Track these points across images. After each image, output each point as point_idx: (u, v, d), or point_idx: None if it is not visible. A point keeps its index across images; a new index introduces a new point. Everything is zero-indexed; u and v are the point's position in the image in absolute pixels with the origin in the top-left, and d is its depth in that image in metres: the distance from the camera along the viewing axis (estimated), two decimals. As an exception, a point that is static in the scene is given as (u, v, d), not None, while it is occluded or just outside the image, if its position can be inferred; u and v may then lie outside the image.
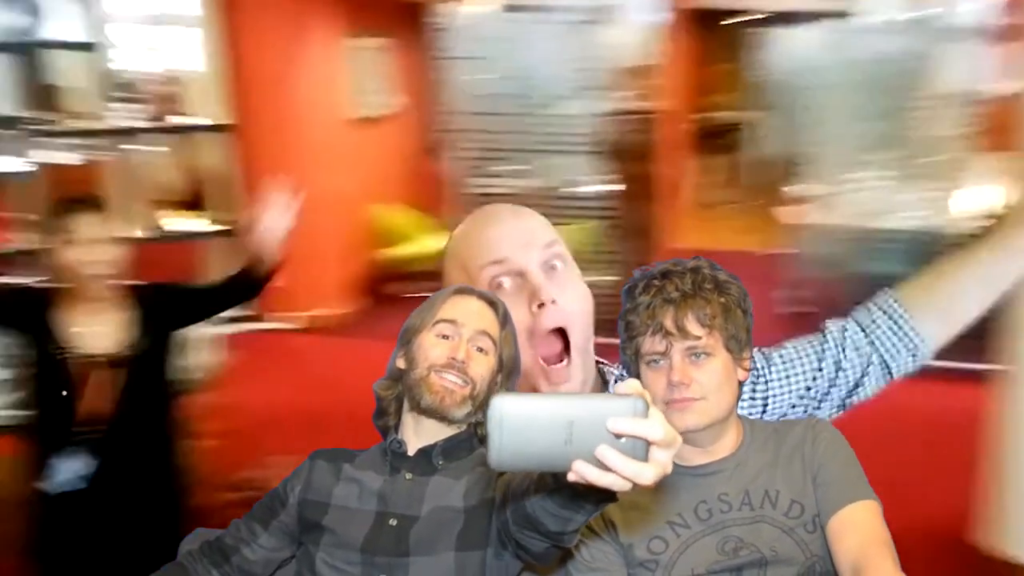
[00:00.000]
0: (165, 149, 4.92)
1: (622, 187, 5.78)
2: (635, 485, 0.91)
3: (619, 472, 0.90)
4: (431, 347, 1.55)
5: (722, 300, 1.48)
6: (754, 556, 1.43)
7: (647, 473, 0.90)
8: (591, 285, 1.76)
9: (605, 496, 1.02)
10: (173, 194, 5.09)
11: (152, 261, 2.80)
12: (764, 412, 1.70)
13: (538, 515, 1.19)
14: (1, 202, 4.36)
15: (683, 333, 1.45)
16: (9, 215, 4.32)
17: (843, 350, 1.69)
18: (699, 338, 1.45)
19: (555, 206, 5.64)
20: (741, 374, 1.53)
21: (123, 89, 4.61)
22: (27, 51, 4.39)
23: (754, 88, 8.54)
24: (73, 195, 2.84)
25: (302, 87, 5.98)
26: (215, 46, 5.30)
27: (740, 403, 1.62)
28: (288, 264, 2.78)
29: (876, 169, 5.69)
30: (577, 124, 5.71)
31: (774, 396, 1.69)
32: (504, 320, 1.60)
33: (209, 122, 5.08)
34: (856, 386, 1.70)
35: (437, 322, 1.57)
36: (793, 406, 1.70)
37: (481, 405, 1.55)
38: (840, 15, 5.99)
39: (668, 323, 1.46)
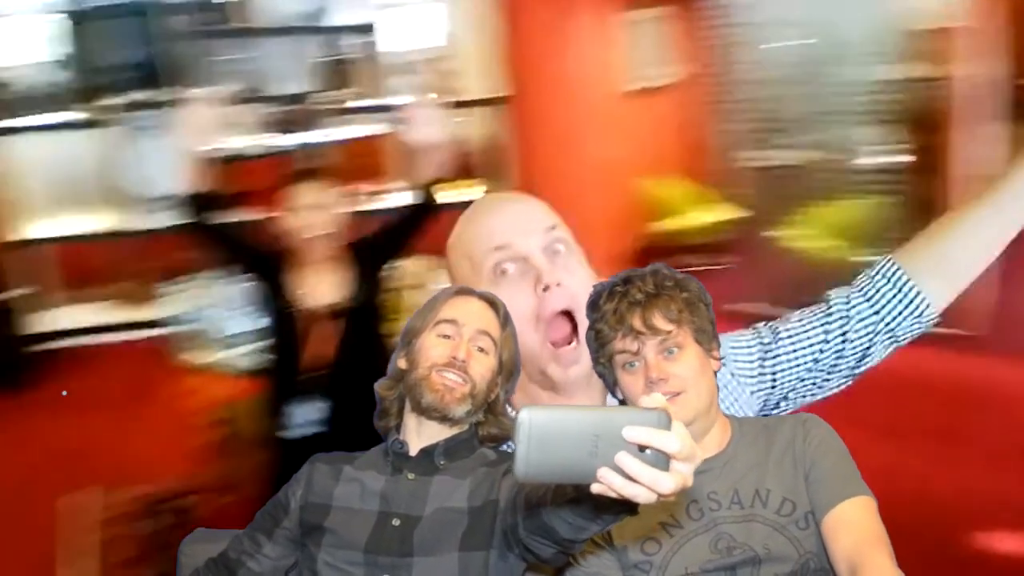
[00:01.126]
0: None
1: (913, 159, 5.33)
2: (658, 496, 0.92)
3: (638, 479, 0.90)
4: (432, 347, 1.56)
5: (685, 296, 1.54)
6: (747, 555, 1.43)
7: (666, 482, 0.90)
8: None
9: (625, 508, 1.02)
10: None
11: (426, 229, 2.98)
12: (773, 386, 1.70)
13: (553, 523, 1.18)
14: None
15: (653, 330, 1.50)
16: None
17: (848, 320, 1.65)
18: (668, 332, 1.50)
19: (835, 180, 5.32)
20: (714, 364, 1.56)
21: (402, 66, 4.86)
22: (315, 34, 4.75)
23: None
24: (297, 168, 3.09)
25: (576, 58, 6.02)
26: (491, 21, 5.45)
27: (749, 379, 1.69)
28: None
29: None
30: (869, 91, 5.31)
31: (782, 370, 1.70)
32: (505, 321, 1.61)
33: (484, 95, 5.24)
34: (864, 355, 1.67)
35: (438, 322, 1.59)
36: (801, 379, 1.70)
37: (481, 405, 1.56)
38: None
39: (637, 323, 1.50)
